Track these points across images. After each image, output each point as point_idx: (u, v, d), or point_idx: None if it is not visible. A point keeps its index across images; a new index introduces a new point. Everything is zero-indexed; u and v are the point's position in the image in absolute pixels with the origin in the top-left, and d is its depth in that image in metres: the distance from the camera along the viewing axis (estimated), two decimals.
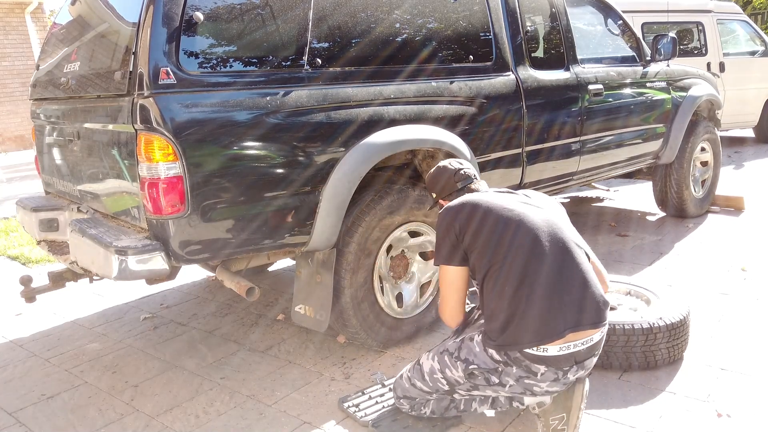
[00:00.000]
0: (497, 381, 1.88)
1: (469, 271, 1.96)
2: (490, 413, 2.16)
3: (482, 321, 2.01)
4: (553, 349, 1.79)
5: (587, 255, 1.93)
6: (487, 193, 2.03)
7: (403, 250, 2.79)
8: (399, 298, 2.80)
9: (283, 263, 3.98)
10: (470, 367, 1.90)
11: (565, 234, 1.89)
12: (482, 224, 1.87)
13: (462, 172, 2.12)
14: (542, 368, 1.82)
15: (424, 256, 2.86)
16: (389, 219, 2.64)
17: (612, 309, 2.55)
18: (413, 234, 2.80)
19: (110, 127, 2.37)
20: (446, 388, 1.99)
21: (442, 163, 2.20)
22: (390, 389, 2.30)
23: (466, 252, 1.92)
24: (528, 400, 1.99)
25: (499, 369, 1.86)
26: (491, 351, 1.87)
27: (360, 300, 2.60)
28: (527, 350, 1.80)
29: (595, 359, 1.90)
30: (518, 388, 1.88)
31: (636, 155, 4.12)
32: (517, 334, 1.79)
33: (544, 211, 1.94)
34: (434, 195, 2.20)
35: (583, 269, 1.85)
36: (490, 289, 1.84)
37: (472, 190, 2.09)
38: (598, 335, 1.86)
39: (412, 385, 2.06)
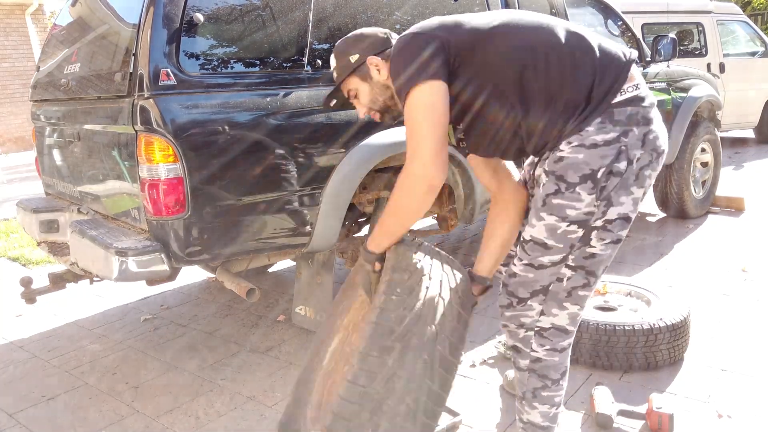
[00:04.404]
0: (625, 163, 1.44)
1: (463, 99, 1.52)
2: (491, 414, 2.16)
3: (537, 159, 1.61)
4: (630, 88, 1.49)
5: None
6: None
7: None
8: None
9: (284, 264, 3.98)
10: (597, 174, 1.43)
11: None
12: (488, 25, 1.51)
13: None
14: (653, 111, 1.51)
15: None
16: None
17: (612, 310, 2.56)
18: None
19: (110, 128, 2.37)
20: (580, 233, 1.48)
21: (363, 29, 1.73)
22: None
23: (456, 70, 1.50)
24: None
25: (622, 146, 1.44)
26: (600, 135, 1.43)
27: None
28: (627, 95, 1.47)
29: None
30: (646, 155, 1.47)
31: None
32: (606, 80, 1.46)
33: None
34: (355, 57, 1.65)
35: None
36: (543, 85, 1.46)
37: None
38: None
39: (535, 269, 1.54)
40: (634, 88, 1.48)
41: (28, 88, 3.50)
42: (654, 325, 2.31)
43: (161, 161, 2.08)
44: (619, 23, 4.12)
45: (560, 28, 1.51)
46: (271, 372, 2.61)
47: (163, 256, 2.16)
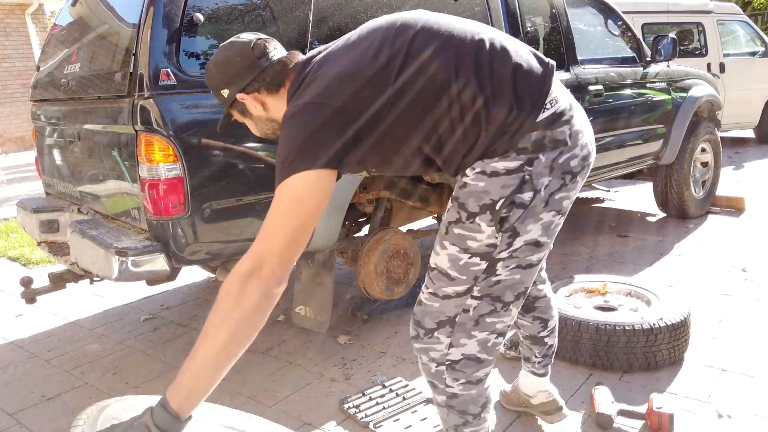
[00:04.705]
0: (531, 194, 1.31)
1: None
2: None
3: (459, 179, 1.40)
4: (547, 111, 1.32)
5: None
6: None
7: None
8: None
9: None
10: (496, 206, 1.30)
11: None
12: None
13: (260, 41, 1.45)
14: (566, 130, 1.34)
15: None
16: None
17: (612, 310, 2.56)
18: None
19: (110, 128, 2.37)
20: (483, 265, 1.35)
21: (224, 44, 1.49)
22: (390, 390, 2.30)
23: (361, 130, 1.29)
24: (525, 383, 1.97)
25: (526, 175, 1.30)
26: (502, 163, 1.30)
27: None
28: (531, 120, 1.30)
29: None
30: (556, 180, 1.33)
31: (636, 156, 4.12)
32: (524, 111, 1.29)
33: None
34: (226, 92, 1.47)
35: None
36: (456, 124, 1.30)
37: (293, 62, 1.45)
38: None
39: (440, 299, 1.39)
40: (551, 104, 1.33)
41: (28, 88, 3.50)
42: (654, 325, 2.31)
43: (161, 161, 2.08)
44: (619, 23, 4.12)
45: (483, 45, 1.32)
46: (271, 372, 2.61)
47: (163, 256, 2.16)
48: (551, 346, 1.95)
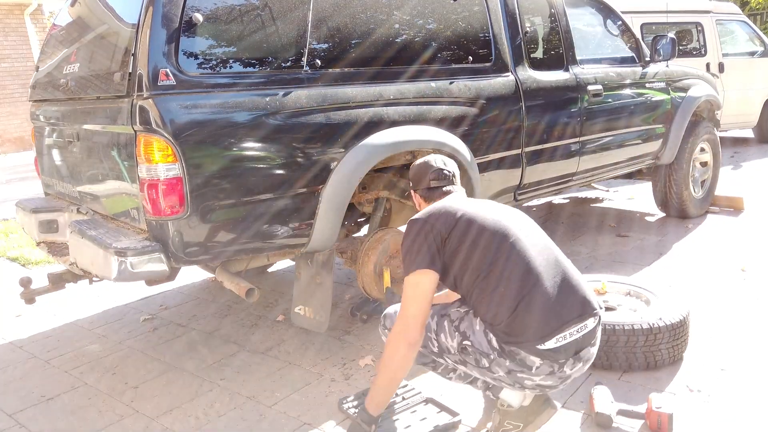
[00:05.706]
0: (486, 365, 1.80)
1: (447, 278, 1.87)
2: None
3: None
4: (550, 343, 1.73)
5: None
6: (462, 199, 2.02)
7: None
8: None
9: (284, 264, 3.98)
10: (464, 343, 1.82)
11: (547, 239, 1.92)
12: (469, 228, 1.82)
13: (442, 171, 2.05)
14: (538, 361, 1.74)
15: None
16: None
17: (611, 310, 2.56)
18: None
19: (110, 128, 2.37)
20: (435, 350, 1.92)
21: (430, 157, 2.12)
22: None
23: (446, 259, 1.83)
24: (509, 395, 1.95)
25: (492, 356, 1.78)
26: (491, 336, 1.78)
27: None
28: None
29: (593, 349, 1.83)
30: (508, 379, 1.80)
31: (636, 156, 4.13)
32: (522, 330, 1.73)
33: (521, 217, 1.95)
34: (411, 184, 2.15)
35: (571, 268, 1.87)
36: (488, 293, 1.77)
37: (444, 194, 2.04)
38: (592, 322, 1.81)
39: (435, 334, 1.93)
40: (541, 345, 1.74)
41: (27, 89, 3.50)
42: (653, 324, 2.31)
43: (160, 161, 2.08)
44: (619, 23, 4.12)
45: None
46: (270, 372, 2.61)
47: (162, 256, 2.16)
48: None
